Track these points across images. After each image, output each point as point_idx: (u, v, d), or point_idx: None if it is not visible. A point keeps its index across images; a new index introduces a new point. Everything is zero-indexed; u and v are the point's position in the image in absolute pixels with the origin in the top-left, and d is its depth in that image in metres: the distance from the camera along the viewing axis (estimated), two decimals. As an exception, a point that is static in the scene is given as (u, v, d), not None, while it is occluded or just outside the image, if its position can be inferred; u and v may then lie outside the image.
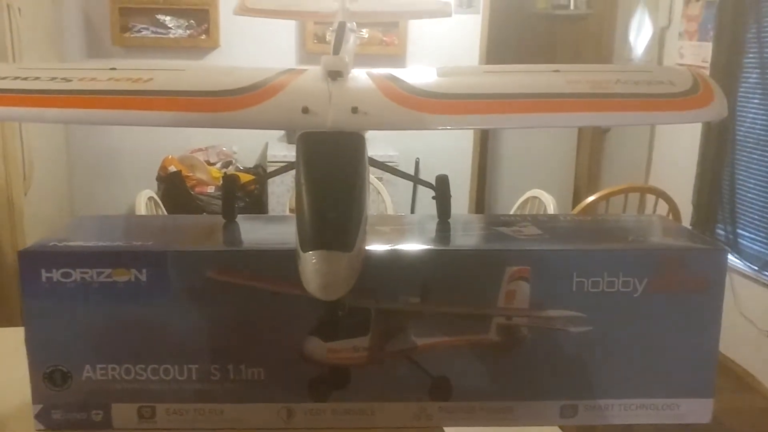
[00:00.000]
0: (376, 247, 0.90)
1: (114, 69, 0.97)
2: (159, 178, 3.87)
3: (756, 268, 3.42)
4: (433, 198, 1.06)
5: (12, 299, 3.27)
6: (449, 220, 1.05)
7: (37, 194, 3.59)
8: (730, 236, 3.57)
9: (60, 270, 0.89)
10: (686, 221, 3.71)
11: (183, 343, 0.91)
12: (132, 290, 0.89)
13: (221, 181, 1.08)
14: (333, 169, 0.83)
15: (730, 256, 3.63)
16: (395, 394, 0.93)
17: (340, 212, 0.78)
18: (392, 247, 0.92)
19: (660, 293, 0.92)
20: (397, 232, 1.04)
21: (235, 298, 0.90)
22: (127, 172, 4.41)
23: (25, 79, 0.95)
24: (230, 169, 4.09)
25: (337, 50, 1.04)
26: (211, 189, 3.87)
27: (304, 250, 0.74)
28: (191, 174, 3.89)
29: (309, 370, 0.91)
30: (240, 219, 1.04)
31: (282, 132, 4.56)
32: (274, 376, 0.92)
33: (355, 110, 0.87)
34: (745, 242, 3.54)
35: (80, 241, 0.94)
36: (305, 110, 0.87)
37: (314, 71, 0.97)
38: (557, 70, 0.97)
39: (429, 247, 0.94)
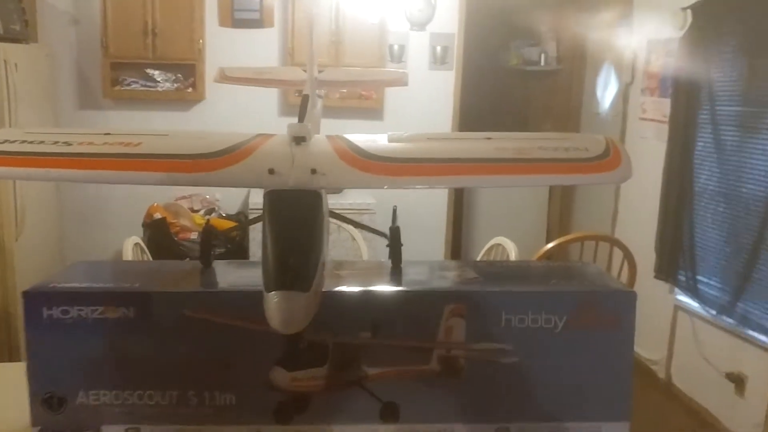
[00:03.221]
0: (333, 288, 1.03)
1: (108, 134, 1.11)
2: (144, 225, 3.96)
3: (714, 312, 3.53)
4: (387, 246, 1.20)
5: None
6: (401, 266, 1.18)
7: (29, 240, 3.67)
8: (691, 282, 3.69)
9: (60, 308, 1.01)
10: (650, 267, 3.84)
11: (165, 372, 1.03)
12: (121, 325, 1.01)
13: (202, 230, 1.21)
14: (293, 222, 0.97)
15: (690, 301, 3.77)
16: (350, 417, 1.05)
17: (299, 258, 0.91)
18: (347, 289, 1.05)
19: (578, 329, 1.06)
20: (353, 275, 1.18)
21: (210, 332, 1.02)
22: (114, 218, 4.51)
23: (31, 142, 1.09)
24: (213, 216, 4.19)
25: (301, 118, 1.19)
26: (194, 235, 3.96)
27: (268, 291, 0.87)
28: (175, 221, 3.99)
29: (274, 396, 1.03)
30: (216, 264, 1.17)
31: (265, 181, 4.70)
32: (244, 401, 1.04)
33: (314, 171, 1.02)
34: (704, 288, 3.66)
35: (76, 282, 1.07)
36: (271, 171, 1.02)
37: (281, 137, 1.11)
38: (489, 138, 1.12)
39: (379, 288, 1.08)
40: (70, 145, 1.08)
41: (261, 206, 1.25)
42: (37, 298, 1.01)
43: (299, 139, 1.08)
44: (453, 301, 1.04)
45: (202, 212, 4.26)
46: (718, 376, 3.53)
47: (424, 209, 4.68)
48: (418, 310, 1.04)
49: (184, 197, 4.35)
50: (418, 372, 1.05)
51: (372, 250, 3.42)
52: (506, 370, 1.05)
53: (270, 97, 4.66)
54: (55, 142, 1.08)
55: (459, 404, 1.06)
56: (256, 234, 4.09)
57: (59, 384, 1.02)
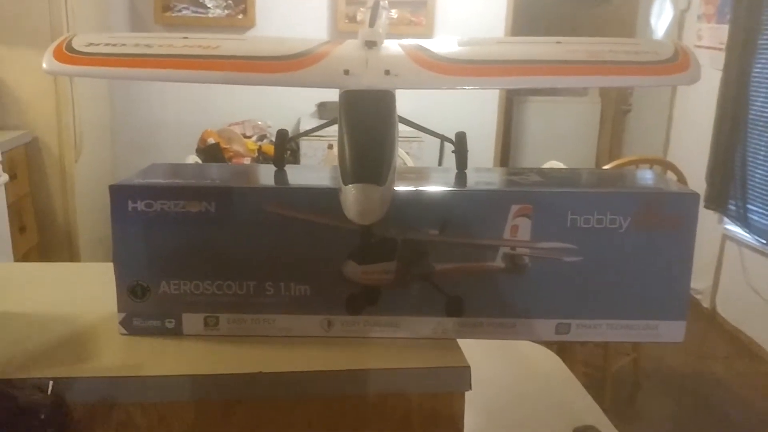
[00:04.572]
0: (404, 187, 1.05)
1: (186, 38, 1.15)
2: (198, 150, 4.02)
3: (764, 241, 3.51)
4: (453, 152, 1.22)
5: (62, 253, 3.48)
6: (466, 171, 1.20)
7: (86, 162, 3.78)
8: (741, 211, 3.67)
9: (144, 201, 1.05)
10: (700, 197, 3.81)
11: (243, 264, 1.07)
12: (202, 219, 1.05)
13: (276, 133, 1.25)
14: (369, 119, 1.00)
15: (739, 231, 3.75)
16: (417, 310, 1.09)
17: (375, 153, 0.94)
18: (416, 188, 1.07)
19: (642, 230, 1.07)
20: (422, 177, 1.20)
21: (287, 227, 1.05)
22: (167, 144, 4.61)
23: (114, 45, 1.13)
24: (265, 142, 4.24)
25: (372, 24, 1.21)
26: (247, 161, 4.02)
27: (346, 184, 0.90)
28: (228, 146, 4.04)
29: (346, 288, 1.07)
30: (287, 167, 1.21)
31: (314, 108, 4.73)
32: (318, 292, 1.08)
33: (387, 72, 1.05)
34: (754, 217, 3.63)
35: (159, 179, 1.11)
36: (346, 72, 1.05)
37: (353, 41, 1.14)
38: (559, 42, 1.14)
39: (447, 188, 1.09)
40: (150, 47, 1.12)
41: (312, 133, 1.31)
42: (123, 192, 1.06)
43: (371, 43, 1.11)
44: (519, 201, 1.06)
45: (254, 138, 4.31)
46: (764, 304, 3.54)
47: (470, 142, 4.66)
48: (484, 209, 1.07)
49: (236, 123, 4.40)
50: (483, 268, 1.07)
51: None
52: (569, 268, 1.07)
53: (320, 24, 4.66)
54: (137, 45, 1.13)
55: (521, 300, 1.09)
56: (306, 161, 4.15)
57: (143, 274, 1.07)
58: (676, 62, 1.09)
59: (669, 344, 1.14)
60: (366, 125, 0.99)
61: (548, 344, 1.50)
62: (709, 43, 4.00)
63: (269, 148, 4.08)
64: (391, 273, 1.07)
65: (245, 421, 0.99)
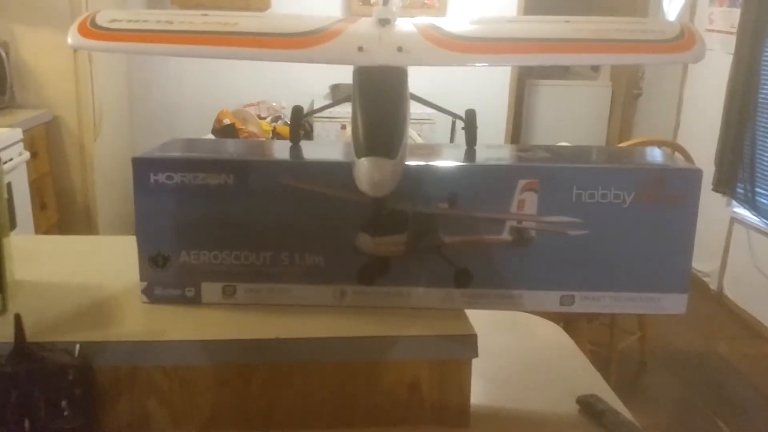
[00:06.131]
0: (415, 162, 1.08)
1: (206, 15, 1.18)
2: (214, 130, 4.05)
3: (772, 224, 3.53)
4: (463, 128, 1.25)
5: (81, 230, 3.53)
6: (475, 147, 1.22)
7: (105, 141, 3.83)
8: (749, 194, 3.67)
9: (165, 174, 1.07)
10: (707, 181, 3.83)
11: (260, 235, 1.10)
12: (221, 191, 1.08)
13: (292, 110, 1.28)
14: (382, 95, 1.03)
15: (747, 214, 3.76)
16: (427, 281, 1.12)
17: (387, 127, 0.97)
18: (427, 163, 1.10)
19: (645, 205, 1.09)
20: (432, 153, 1.24)
21: (302, 200, 1.08)
22: (184, 124, 4.65)
23: (137, 21, 1.16)
24: (279, 124, 4.27)
25: (386, 2, 1.24)
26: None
27: (359, 157, 0.93)
28: (244, 127, 4.06)
29: (359, 259, 1.10)
30: (302, 143, 1.24)
31: (327, 90, 4.76)
32: (332, 263, 1.11)
33: (400, 49, 1.08)
34: (762, 200, 3.64)
35: (179, 152, 1.14)
36: (360, 49, 1.08)
37: (367, 19, 1.17)
38: (567, 21, 1.16)
39: (457, 163, 1.12)
40: (171, 23, 1.15)
41: (325, 115, 1.32)
42: (145, 164, 1.08)
43: (384, 21, 1.13)
44: (526, 176, 1.08)
45: (268, 119, 4.33)
46: (771, 287, 3.56)
47: (481, 123, 4.65)
48: (492, 184, 1.09)
49: (251, 104, 4.43)
50: (490, 241, 1.10)
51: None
52: (574, 242, 1.10)
53: (334, 6, 4.69)
54: (158, 21, 1.15)
55: (527, 272, 1.11)
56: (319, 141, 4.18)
57: (164, 244, 1.10)
58: (682, 41, 1.11)
59: (672, 316, 1.16)
60: (379, 101, 1.02)
61: (555, 321, 1.53)
62: (721, 26, 3.99)
63: (284, 129, 4.11)
64: (401, 245, 1.09)
65: (262, 384, 1.03)
